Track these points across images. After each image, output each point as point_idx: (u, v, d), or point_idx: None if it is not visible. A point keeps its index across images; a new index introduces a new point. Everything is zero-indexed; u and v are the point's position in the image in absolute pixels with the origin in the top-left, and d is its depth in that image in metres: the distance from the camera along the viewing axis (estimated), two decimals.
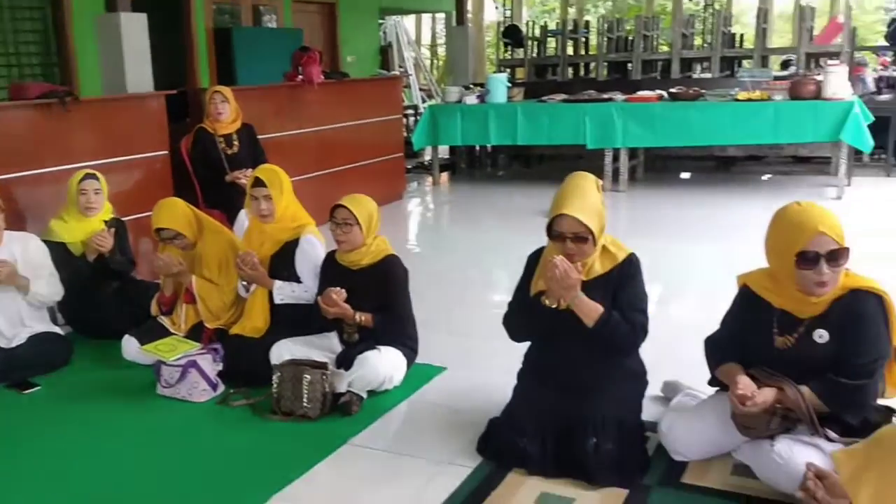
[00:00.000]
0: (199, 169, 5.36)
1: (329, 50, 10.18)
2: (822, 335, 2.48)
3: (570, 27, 11.78)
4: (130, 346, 3.73)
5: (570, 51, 11.52)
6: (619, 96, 8.12)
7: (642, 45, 10.32)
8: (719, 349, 2.71)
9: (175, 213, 3.80)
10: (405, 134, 9.31)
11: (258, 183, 3.64)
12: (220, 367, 3.43)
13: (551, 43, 11.66)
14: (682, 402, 2.96)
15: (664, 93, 7.96)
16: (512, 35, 11.89)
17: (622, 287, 2.76)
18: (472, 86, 9.35)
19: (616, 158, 7.93)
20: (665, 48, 11.75)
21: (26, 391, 3.52)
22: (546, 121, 8.02)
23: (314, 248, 3.67)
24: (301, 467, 2.78)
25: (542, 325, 2.82)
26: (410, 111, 11.61)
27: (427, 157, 9.85)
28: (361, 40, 11.10)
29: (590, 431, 2.62)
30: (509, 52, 12.03)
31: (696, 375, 2.91)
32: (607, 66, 10.60)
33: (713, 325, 2.78)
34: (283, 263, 3.64)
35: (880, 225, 6.41)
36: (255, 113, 5.79)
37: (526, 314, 2.87)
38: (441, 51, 17.97)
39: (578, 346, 2.75)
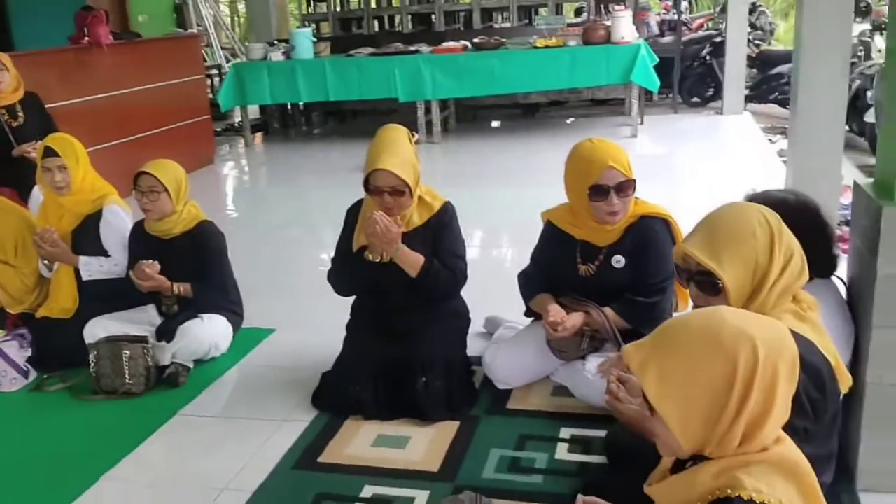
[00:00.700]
0: None
1: (117, 9, 9.49)
2: (619, 260, 2.72)
3: None
4: None
5: (373, 3, 11.45)
6: (425, 48, 8.22)
7: None
8: (531, 282, 2.90)
9: None
10: (210, 95, 8.93)
11: (50, 153, 3.38)
12: (28, 353, 3.22)
13: None
14: (503, 335, 3.14)
15: (468, 43, 8.15)
16: None
17: (440, 235, 2.86)
18: (276, 42, 9.08)
19: (428, 111, 8.06)
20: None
21: None
22: (356, 75, 7.98)
23: (119, 218, 3.48)
24: (129, 444, 2.70)
25: (367, 280, 2.88)
26: (214, 71, 11.12)
27: (237, 118, 9.52)
28: None
29: (419, 372, 2.73)
30: (312, 7, 11.78)
31: (515, 309, 3.08)
32: (412, 18, 10.66)
33: (527, 262, 2.96)
34: (86, 238, 3.43)
35: (668, 156, 7.06)
36: (40, 80, 5.32)
37: (349, 270, 2.91)
38: (241, 7, 17.22)
39: (403, 294, 2.84)
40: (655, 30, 10.56)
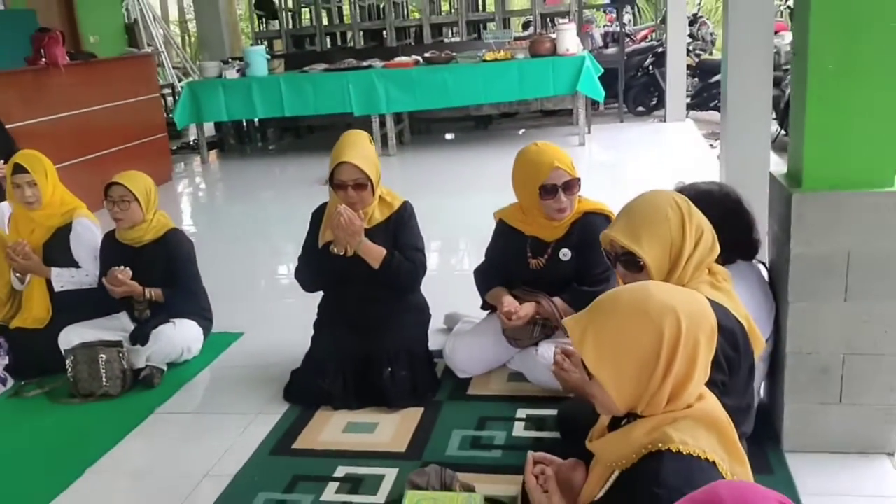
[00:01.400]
0: None
1: (68, 30, 9.49)
2: (566, 253, 2.95)
3: None
4: None
5: (325, 20, 11.63)
6: (377, 63, 8.42)
7: (394, 12, 10.68)
8: (486, 277, 3.12)
9: None
10: (166, 115, 8.99)
11: (19, 170, 3.50)
12: (5, 361, 3.32)
13: (306, 14, 11.69)
14: (462, 328, 3.34)
15: (419, 58, 8.38)
16: (265, 6, 11.75)
17: (400, 231, 3.07)
18: (230, 60, 9.20)
19: (383, 124, 8.25)
20: (416, 15, 12.22)
21: None
22: (311, 91, 8.14)
23: (89, 230, 3.60)
24: (110, 441, 2.83)
25: (333, 273, 3.06)
26: (167, 90, 11.17)
27: (192, 136, 9.58)
28: (103, 19, 10.48)
29: (385, 362, 2.93)
30: (264, 25, 11.91)
31: (472, 306, 3.28)
32: (363, 34, 10.86)
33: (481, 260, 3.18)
34: (57, 249, 3.55)
35: (615, 163, 7.37)
36: None
37: (316, 264, 3.10)
38: (192, 27, 17.22)
39: (367, 287, 3.03)
40: (600, 42, 10.92)
